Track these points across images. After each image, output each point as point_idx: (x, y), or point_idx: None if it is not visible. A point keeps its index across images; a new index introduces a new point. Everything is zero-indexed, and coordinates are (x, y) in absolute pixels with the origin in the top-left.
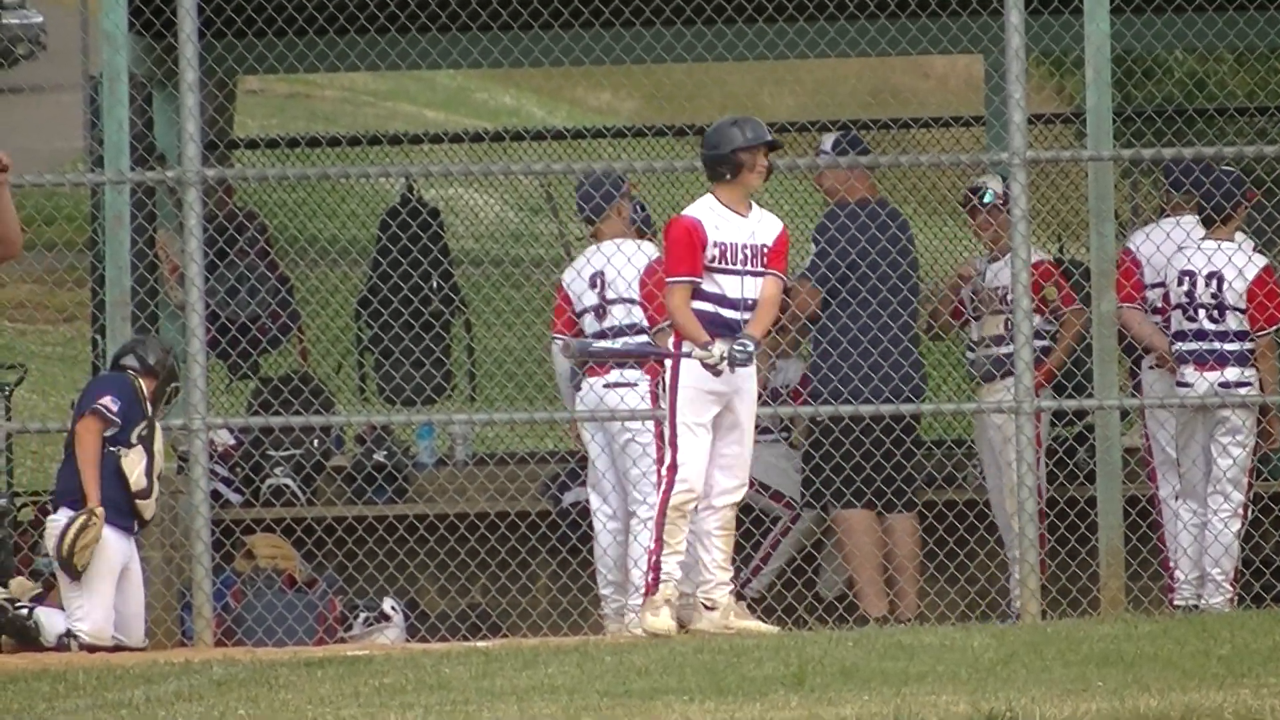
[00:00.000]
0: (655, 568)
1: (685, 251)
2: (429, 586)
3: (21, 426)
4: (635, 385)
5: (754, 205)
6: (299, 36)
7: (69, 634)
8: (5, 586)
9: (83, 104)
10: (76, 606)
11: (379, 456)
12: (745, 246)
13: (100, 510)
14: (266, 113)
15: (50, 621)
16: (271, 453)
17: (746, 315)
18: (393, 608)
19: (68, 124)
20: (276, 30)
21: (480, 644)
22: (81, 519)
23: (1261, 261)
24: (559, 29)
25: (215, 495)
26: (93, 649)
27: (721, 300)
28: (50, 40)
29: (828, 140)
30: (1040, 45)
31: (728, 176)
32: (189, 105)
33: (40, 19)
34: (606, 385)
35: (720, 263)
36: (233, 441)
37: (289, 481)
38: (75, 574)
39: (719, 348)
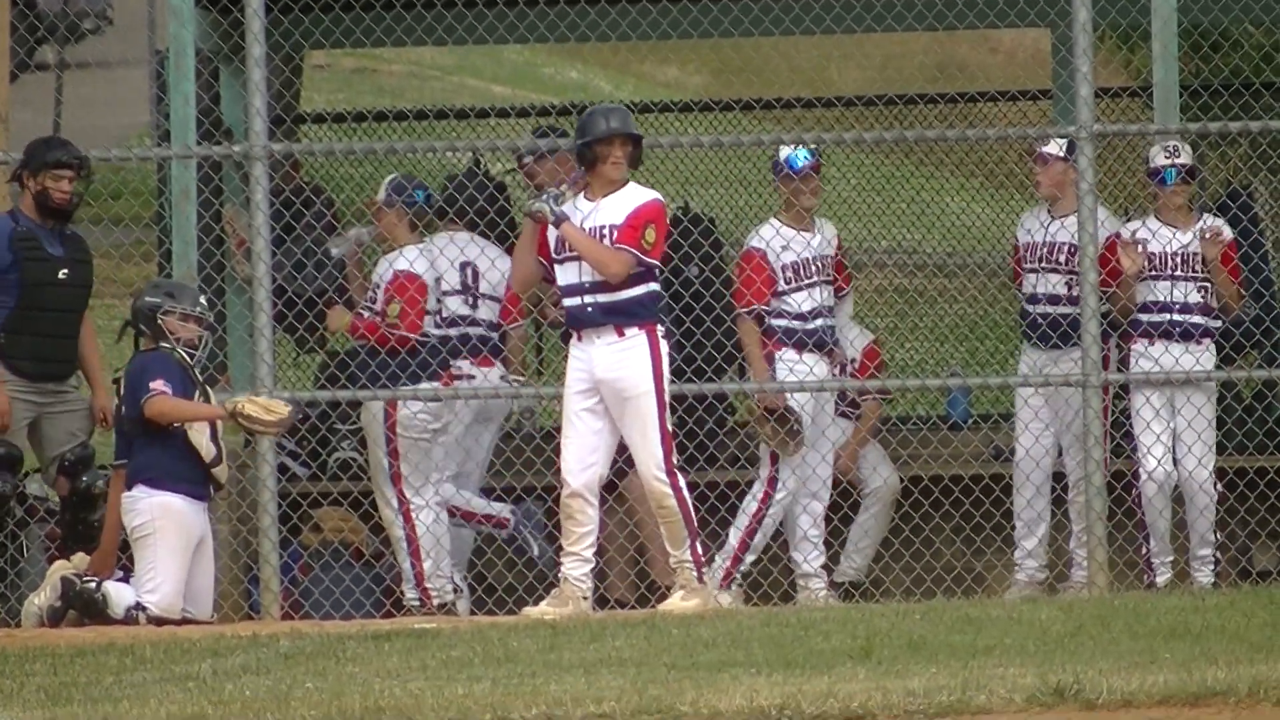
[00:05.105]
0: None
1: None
2: (496, 559)
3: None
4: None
5: (626, 188)
6: (365, 11)
7: (138, 606)
8: (69, 559)
9: (149, 79)
10: (148, 578)
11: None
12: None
13: (228, 405)
14: (333, 87)
15: (118, 594)
16: (338, 426)
17: (584, 300)
18: (462, 579)
19: (134, 99)
20: (343, 5)
21: (547, 616)
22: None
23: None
24: (626, 3)
25: (282, 469)
26: (160, 622)
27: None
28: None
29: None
30: (1108, 19)
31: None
32: (255, 80)
33: None
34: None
35: (558, 254)
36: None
37: (356, 455)
38: (279, 423)
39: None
